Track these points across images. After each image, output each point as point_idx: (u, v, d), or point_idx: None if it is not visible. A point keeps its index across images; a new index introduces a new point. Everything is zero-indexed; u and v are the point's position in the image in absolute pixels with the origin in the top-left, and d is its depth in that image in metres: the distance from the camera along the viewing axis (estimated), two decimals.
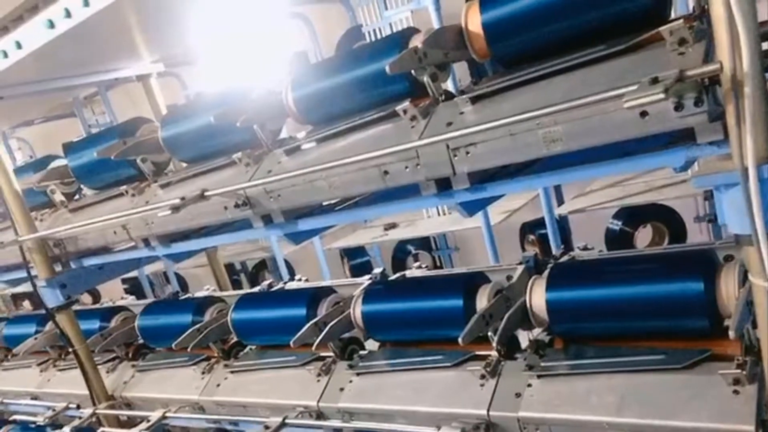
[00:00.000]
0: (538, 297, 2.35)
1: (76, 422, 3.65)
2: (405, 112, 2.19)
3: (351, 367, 2.79)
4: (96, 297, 8.48)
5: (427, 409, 2.48)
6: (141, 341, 3.89)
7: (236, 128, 2.61)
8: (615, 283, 2.25)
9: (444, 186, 2.17)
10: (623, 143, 1.82)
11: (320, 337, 2.73)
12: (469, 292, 2.54)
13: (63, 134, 6.49)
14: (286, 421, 2.74)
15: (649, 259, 2.49)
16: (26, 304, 9.88)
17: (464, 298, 2.52)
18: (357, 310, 2.81)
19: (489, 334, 2.40)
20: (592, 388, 2.17)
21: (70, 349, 3.66)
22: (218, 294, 3.85)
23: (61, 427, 3.99)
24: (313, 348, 2.81)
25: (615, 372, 2.17)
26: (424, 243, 7.31)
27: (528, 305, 2.37)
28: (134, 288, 8.82)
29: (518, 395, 2.29)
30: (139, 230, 3.22)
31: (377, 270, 3.16)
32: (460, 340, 2.29)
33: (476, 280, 2.63)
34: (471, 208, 2.23)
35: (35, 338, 4.26)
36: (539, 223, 6.14)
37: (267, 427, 2.74)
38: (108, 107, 7.02)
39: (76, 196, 3.91)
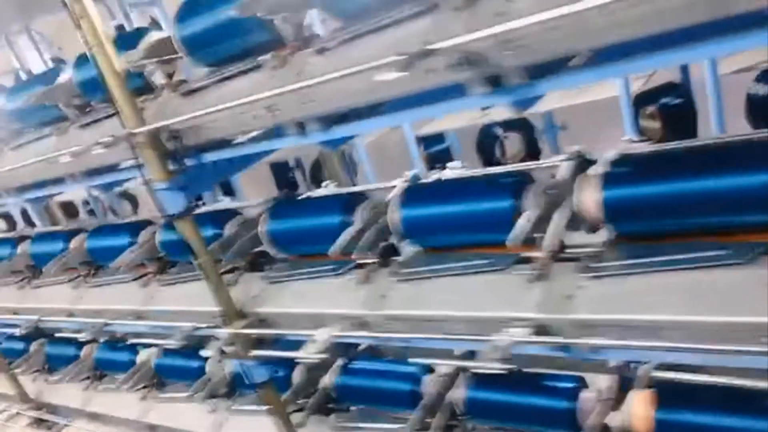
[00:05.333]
0: (589, 197, 2.29)
1: (219, 343, 3.29)
2: None
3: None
4: None
5: (477, 314, 2.49)
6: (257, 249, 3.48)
7: None
8: (674, 176, 2.16)
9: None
10: None
11: None
12: (516, 194, 2.48)
13: None
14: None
15: (715, 150, 2.34)
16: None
17: (512, 200, 2.47)
18: (395, 216, 2.79)
19: (536, 236, 2.37)
20: (650, 286, 2.14)
21: (195, 262, 3.17)
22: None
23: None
24: None
25: (675, 270, 2.11)
26: (521, 124, 6.82)
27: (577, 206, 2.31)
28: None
29: (569, 297, 2.28)
30: (291, 111, 2.60)
31: (413, 171, 3.11)
32: (508, 243, 2.30)
33: (521, 181, 2.55)
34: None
35: (132, 251, 3.86)
36: (658, 92, 5.76)
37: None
38: None
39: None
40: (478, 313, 2.50)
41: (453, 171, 3.10)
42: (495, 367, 2.28)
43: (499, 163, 6.84)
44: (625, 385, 2.66)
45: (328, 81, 2.29)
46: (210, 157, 3.08)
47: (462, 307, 2.56)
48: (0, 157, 4.19)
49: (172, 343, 3.49)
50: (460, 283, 2.63)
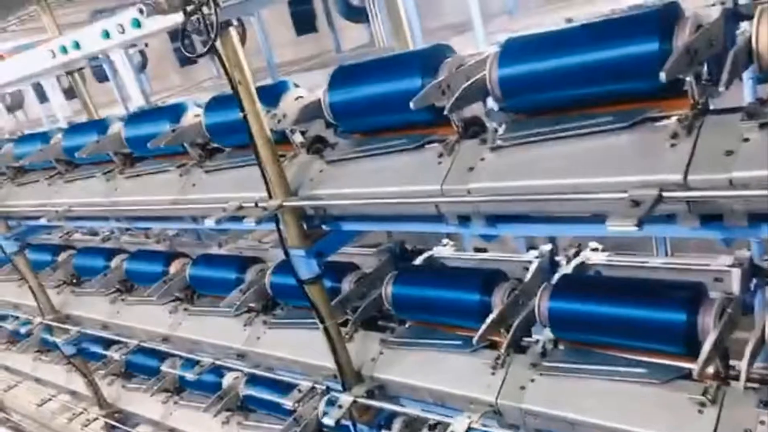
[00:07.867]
0: None
1: (336, 412, 3.12)
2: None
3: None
4: None
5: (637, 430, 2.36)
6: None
7: None
8: None
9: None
10: None
11: None
12: (691, 309, 2.33)
13: None
14: None
15: None
16: None
17: (687, 315, 2.32)
18: (543, 307, 2.68)
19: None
20: None
21: (321, 326, 3.06)
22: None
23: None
24: None
25: None
26: None
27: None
28: None
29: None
30: (457, 206, 2.44)
31: (545, 247, 2.99)
32: (695, 374, 2.17)
33: (698, 290, 2.41)
34: None
35: (242, 290, 3.74)
36: None
37: None
38: None
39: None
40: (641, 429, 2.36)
41: (596, 255, 2.96)
42: None
43: None
44: None
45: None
46: (349, 226, 2.95)
47: (619, 419, 2.42)
48: (116, 183, 3.98)
49: (288, 404, 3.38)
50: (611, 388, 2.50)
